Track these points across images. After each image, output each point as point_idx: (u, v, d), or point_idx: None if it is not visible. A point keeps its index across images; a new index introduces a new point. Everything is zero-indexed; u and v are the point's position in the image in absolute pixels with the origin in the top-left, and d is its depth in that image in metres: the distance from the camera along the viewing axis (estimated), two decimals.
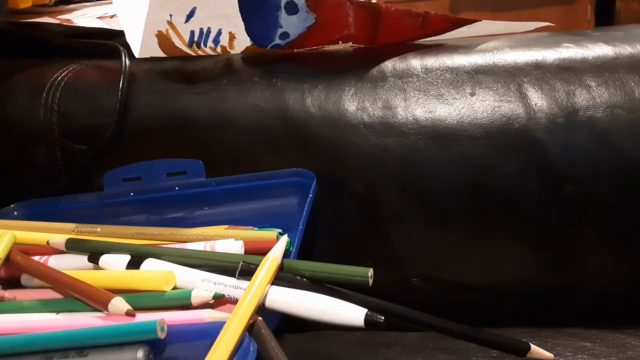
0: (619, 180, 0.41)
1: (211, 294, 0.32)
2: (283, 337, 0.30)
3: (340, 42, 0.49)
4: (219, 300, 0.32)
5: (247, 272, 0.33)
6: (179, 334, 0.29)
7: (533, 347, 0.33)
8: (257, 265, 0.33)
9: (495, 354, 0.34)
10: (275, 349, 0.29)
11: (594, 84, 0.43)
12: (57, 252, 0.39)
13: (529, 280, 0.42)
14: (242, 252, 0.37)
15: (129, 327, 0.29)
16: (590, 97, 0.42)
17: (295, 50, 0.50)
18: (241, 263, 0.33)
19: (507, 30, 0.52)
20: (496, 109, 0.43)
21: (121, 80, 0.46)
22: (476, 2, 1.34)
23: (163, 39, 0.48)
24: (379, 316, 0.30)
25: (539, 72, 0.44)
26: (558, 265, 0.42)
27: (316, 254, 0.43)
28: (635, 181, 0.41)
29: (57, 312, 0.34)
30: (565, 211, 0.42)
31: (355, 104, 0.44)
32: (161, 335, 0.28)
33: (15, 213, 0.47)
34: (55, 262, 0.38)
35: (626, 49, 0.44)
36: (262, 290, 0.31)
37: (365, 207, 0.43)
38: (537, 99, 0.43)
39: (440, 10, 1.03)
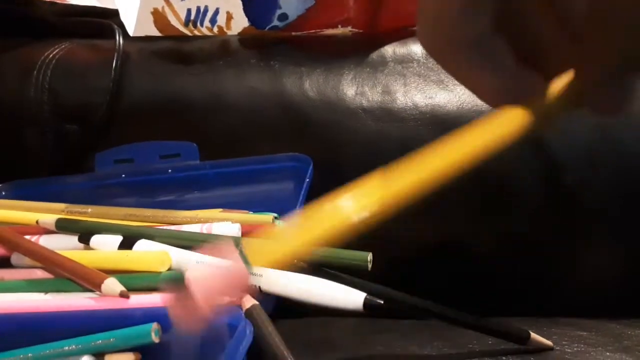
0: (616, 169, 0.41)
1: None
2: (277, 323, 0.29)
3: (339, 26, 0.48)
4: None
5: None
6: None
7: (533, 334, 0.32)
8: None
9: (491, 341, 0.34)
10: (272, 334, 0.28)
11: None
12: (47, 232, 0.38)
13: (526, 269, 0.42)
14: (239, 235, 0.36)
15: (122, 333, 0.28)
16: None
17: (293, 33, 0.49)
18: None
19: None
20: None
21: (115, 59, 0.45)
22: None
23: (159, 17, 0.47)
24: (378, 300, 0.30)
25: None
26: (554, 254, 0.42)
27: None
28: (632, 169, 0.41)
29: (47, 292, 0.33)
30: (562, 198, 0.41)
31: (354, 88, 0.44)
32: (155, 339, 0.27)
33: (3, 193, 0.45)
34: (45, 242, 0.37)
35: None
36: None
37: None
38: None
39: None
